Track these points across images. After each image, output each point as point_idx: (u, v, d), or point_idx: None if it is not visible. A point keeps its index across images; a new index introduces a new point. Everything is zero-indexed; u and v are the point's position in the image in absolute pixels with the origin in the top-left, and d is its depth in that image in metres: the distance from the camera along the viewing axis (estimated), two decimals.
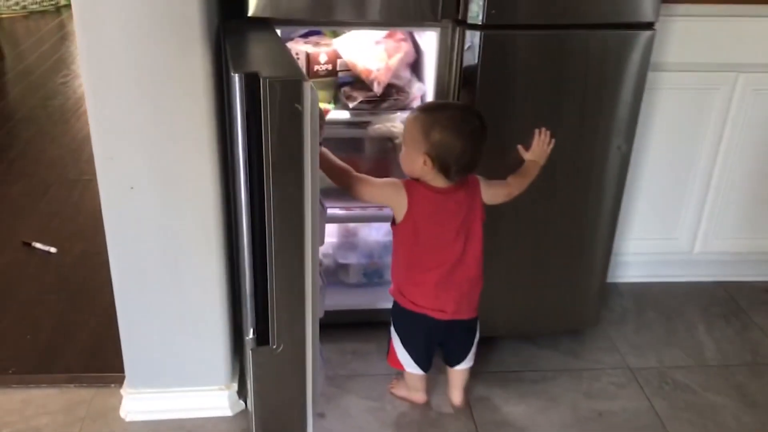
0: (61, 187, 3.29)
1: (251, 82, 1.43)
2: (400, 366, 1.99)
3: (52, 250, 2.77)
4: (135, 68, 1.60)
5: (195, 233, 1.80)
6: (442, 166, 1.74)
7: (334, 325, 2.33)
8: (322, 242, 1.80)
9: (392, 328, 1.99)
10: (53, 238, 2.84)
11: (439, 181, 1.78)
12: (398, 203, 1.81)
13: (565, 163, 2.06)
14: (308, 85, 1.44)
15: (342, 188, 1.85)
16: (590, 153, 2.08)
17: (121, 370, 1.99)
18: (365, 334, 2.35)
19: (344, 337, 2.33)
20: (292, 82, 1.43)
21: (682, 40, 2.21)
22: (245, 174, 1.53)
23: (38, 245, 2.79)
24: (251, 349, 1.69)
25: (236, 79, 1.44)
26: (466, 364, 2.00)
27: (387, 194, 1.83)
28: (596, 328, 2.42)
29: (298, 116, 1.46)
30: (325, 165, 1.80)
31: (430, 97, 2.07)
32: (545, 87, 1.97)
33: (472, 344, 1.98)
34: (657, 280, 2.71)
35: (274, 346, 1.68)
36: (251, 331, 1.70)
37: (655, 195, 2.50)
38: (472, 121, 1.73)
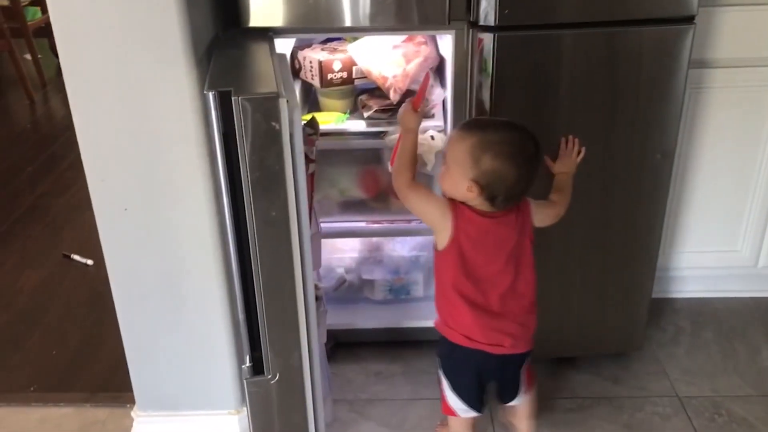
0: None
1: (225, 101, 1.34)
2: (453, 413, 1.74)
3: (89, 262, 2.79)
4: (118, 87, 1.54)
5: (194, 255, 1.73)
6: (490, 195, 1.53)
7: (359, 344, 2.24)
8: (318, 264, 1.70)
9: (441, 372, 1.73)
10: (92, 251, 2.86)
11: (485, 206, 1.57)
12: (442, 226, 1.58)
13: (598, 174, 1.88)
14: (284, 102, 1.33)
15: (395, 178, 1.67)
16: (624, 161, 1.88)
17: (131, 389, 1.96)
18: (391, 354, 2.24)
19: (368, 357, 2.22)
20: (265, 100, 1.33)
21: (730, 33, 1.97)
22: (228, 198, 1.45)
23: (76, 257, 2.81)
24: (245, 379, 1.61)
25: (210, 98, 1.35)
26: (520, 399, 1.76)
27: (431, 211, 1.61)
28: (644, 350, 2.21)
29: (275, 135, 1.36)
30: (405, 149, 1.67)
31: (449, 107, 1.93)
32: (568, 91, 1.79)
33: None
34: (717, 296, 2.47)
35: (269, 376, 1.60)
36: (247, 359, 1.62)
37: (712, 203, 2.26)
38: (527, 146, 1.53)
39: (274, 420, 1.68)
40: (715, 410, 2.01)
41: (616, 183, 1.91)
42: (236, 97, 1.31)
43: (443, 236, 1.59)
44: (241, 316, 1.58)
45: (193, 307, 1.80)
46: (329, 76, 2.05)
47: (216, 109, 1.36)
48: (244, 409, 1.97)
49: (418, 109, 1.68)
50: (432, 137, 2.00)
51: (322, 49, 2.10)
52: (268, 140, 1.36)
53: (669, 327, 2.35)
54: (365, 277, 2.29)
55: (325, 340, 1.79)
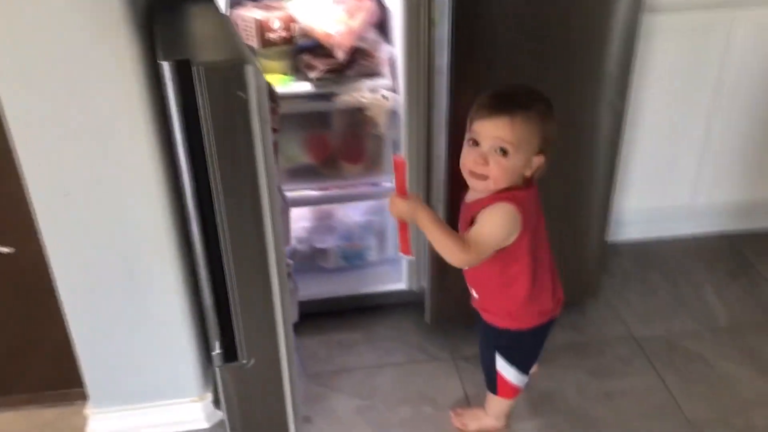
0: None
1: (183, 71, 1.21)
2: (516, 391, 1.73)
3: (5, 250, 2.56)
4: (50, 56, 1.37)
5: (146, 240, 1.60)
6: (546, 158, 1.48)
7: (315, 315, 2.17)
8: (288, 242, 1.61)
9: (504, 362, 1.68)
10: (8, 236, 2.62)
11: (526, 176, 1.49)
12: (517, 228, 1.48)
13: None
14: (251, 68, 1.22)
15: (452, 257, 1.49)
16: (579, 109, 1.87)
17: (82, 385, 1.82)
18: (351, 322, 2.18)
19: (328, 328, 2.16)
20: (230, 67, 1.21)
21: None
22: (189, 176, 1.33)
23: None
24: (217, 367, 1.51)
25: (165, 68, 1.22)
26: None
27: (509, 231, 1.47)
28: (598, 296, 2.25)
29: (242, 106, 1.25)
30: (433, 230, 1.48)
31: (401, 63, 1.84)
32: (525, 39, 1.75)
33: None
34: (659, 236, 2.54)
35: (244, 361, 1.51)
36: (217, 345, 1.52)
37: (654, 148, 2.30)
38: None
39: (251, 406, 1.60)
40: (672, 349, 2.08)
41: (571, 130, 1.89)
42: (197, 66, 1.18)
43: (515, 234, 1.48)
44: (209, 301, 1.47)
45: (148, 294, 1.67)
46: (268, 35, 1.92)
47: (173, 80, 1.23)
48: (208, 395, 1.87)
49: (406, 194, 1.49)
50: (384, 96, 1.92)
51: (256, 8, 1.97)
52: (235, 111, 1.24)
53: (617, 272, 2.40)
54: (317, 246, 2.21)
55: (296, 318, 1.71)
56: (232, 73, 1.20)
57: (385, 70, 1.96)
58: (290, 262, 1.86)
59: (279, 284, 1.47)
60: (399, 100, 1.91)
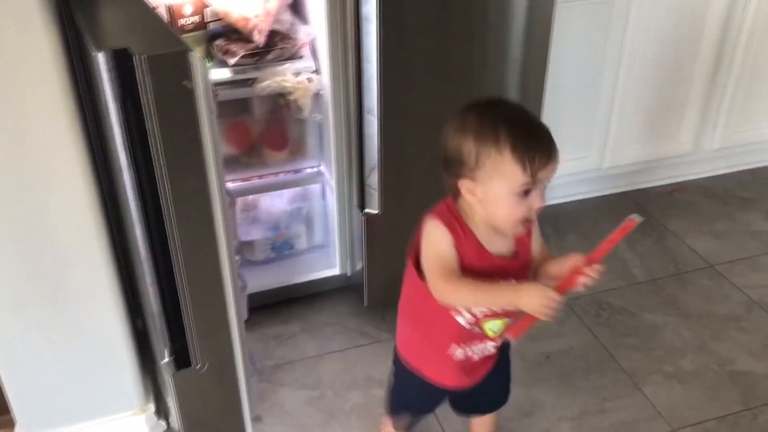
0: None
1: (122, 62, 1.12)
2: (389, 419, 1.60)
3: None
4: None
5: (74, 246, 1.48)
6: None
7: (250, 310, 2.09)
8: (235, 237, 1.54)
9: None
10: None
11: None
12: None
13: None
14: (196, 56, 1.14)
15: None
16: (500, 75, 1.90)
17: (8, 411, 1.67)
18: (285, 314, 2.13)
19: (263, 322, 2.09)
20: (174, 55, 1.13)
21: None
22: (132, 174, 1.24)
23: None
24: (170, 375, 1.43)
25: (100, 59, 1.13)
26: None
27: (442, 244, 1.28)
28: None
29: (188, 96, 1.17)
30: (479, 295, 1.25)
31: (323, 42, 1.79)
32: (449, 17, 1.75)
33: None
34: (570, 200, 2.64)
35: (198, 366, 1.43)
36: (166, 353, 1.44)
37: (567, 115, 2.38)
38: None
39: (206, 410, 1.53)
40: (599, 306, 2.17)
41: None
42: (139, 56, 1.10)
43: None
44: (156, 308, 1.39)
45: (78, 307, 1.55)
46: (180, 21, 1.81)
47: (111, 72, 1.14)
48: (150, 406, 1.77)
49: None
50: (309, 80, 1.86)
51: None
52: (181, 102, 1.17)
53: None
54: (243, 239, 2.13)
55: (246, 317, 1.64)
56: (176, 62, 1.13)
57: (306, 52, 1.90)
58: (238, 258, 1.78)
59: (231, 283, 1.40)
60: (323, 81, 1.86)
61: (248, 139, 1.98)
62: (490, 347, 1.39)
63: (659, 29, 2.34)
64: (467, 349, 1.36)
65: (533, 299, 1.18)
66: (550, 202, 2.58)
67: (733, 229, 2.55)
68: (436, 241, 1.25)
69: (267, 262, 2.16)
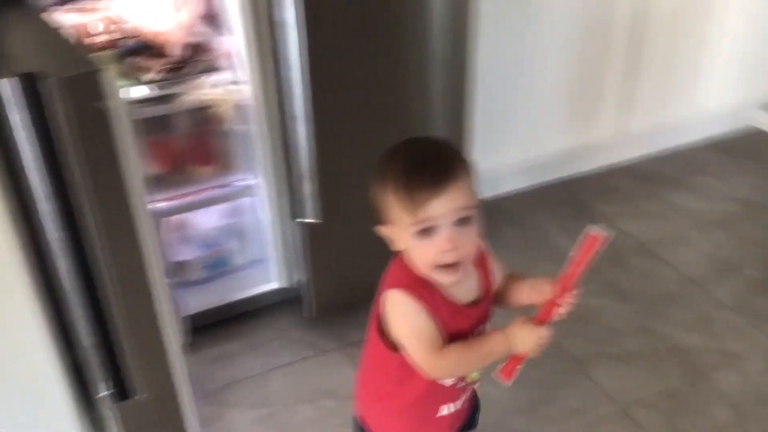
0: None
1: (28, 86, 1.06)
2: None
3: None
4: None
5: None
6: None
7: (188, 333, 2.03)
8: (166, 258, 1.48)
9: None
10: None
11: None
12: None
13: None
14: (109, 76, 1.09)
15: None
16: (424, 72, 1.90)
17: None
18: (227, 333, 2.07)
19: (204, 343, 2.02)
20: (86, 77, 1.08)
21: None
22: (51, 203, 1.17)
23: None
24: (110, 408, 1.36)
25: (6, 85, 1.06)
26: None
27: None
28: None
29: (103, 118, 1.11)
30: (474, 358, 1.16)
31: (243, 53, 1.75)
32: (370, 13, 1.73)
33: None
34: (503, 193, 2.66)
35: (139, 396, 1.37)
36: (103, 387, 1.37)
37: (492, 108, 2.39)
38: None
39: None
40: None
41: (424, 93, 1.92)
42: (51, 79, 1.04)
43: None
44: (89, 341, 1.32)
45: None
46: (90, 40, 1.74)
47: (18, 98, 1.07)
48: None
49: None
50: (230, 91, 1.81)
51: (72, 11, 1.77)
52: (96, 125, 1.11)
53: None
54: (175, 259, 2.06)
55: (186, 340, 1.58)
56: (90, 83, 1.07)
57: (226, 63, 1.85)
58: (171, 280, 1.72)
59: (165, 307, 1.35)
60: (245, 91, 1.82)
61: (173, 156, 1.92)
62: (472, 388, 1.31)
63: (575, 16, 2.38)
64: (456, 402, 1.27)
65: (527, 342, 1.10)
66: (483, 195, 2.62)
67: (661, 209, 2.62)
68: (408, 317, 1.12)
69: (203, 281, 2.09)
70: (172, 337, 1.38)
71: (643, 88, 2.65)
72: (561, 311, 1.13)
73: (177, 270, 2.07)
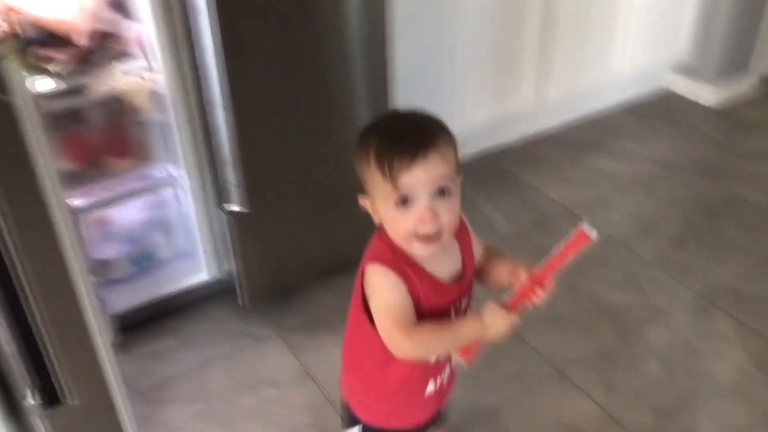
0: None
1: None
2: None
3: None
4: None
5: None
6: None
7: (119, 332, 1.96)
8: (88, 257, 1.42)
9: None
10: None
11: None
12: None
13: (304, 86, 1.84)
14: (12, 66, 1.03)
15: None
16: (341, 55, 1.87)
17: None
18: (158, 329, 2.01)
19: (135, 343, 1.96)
20: None
21: None
22: None
23: None
24: (40, 417, 1.30)
25: None
26: None
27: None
28: None
29: (8, 112, 1.05)
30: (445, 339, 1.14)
31: (154, 38, 1.68)
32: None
33: None
34: None
35: (69, 402, 1.32)
36: (31, 394, 1.31)
37: (413, 83, 2.39)
38: None
39: None
40: None
41: (339, 74, 1.89)
42: None
43: None
44: (12, 348, 1.26)
45: None
46: None
47: None
48: None
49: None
50: (143, 79, 1.74)
51: None
52: (4, 120, 1.05)
53: None
54: (98, 258, 1.98)
55: (115, 340, 1.52)
56: None
57: (137, 49, 1.78)
58: (95, 279, 1.65)
59: (90, 306, 1.29)
60: (160, 79, 1.75)
61: (88, 150, 1.84)
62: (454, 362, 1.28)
63: None
64: (440, 377, 1.26)
65: (499, 327, 1.09)
66: None
67: (581, 173, 2.68)
68: (385, 292, 1.11)
69: (130, 278, 2.02)
70: (101, 337, 1.32)
71: (559, 56, 2.69)
72: (534, 301, 1.11)
73: (101, 268, 1.99)
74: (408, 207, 1.06)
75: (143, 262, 2.03)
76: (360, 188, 1.12)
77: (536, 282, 1.11)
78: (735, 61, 3.07)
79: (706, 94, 3.10)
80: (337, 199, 2.03)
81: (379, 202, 1.08)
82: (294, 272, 2.07)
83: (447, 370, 1.28)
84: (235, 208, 1.83)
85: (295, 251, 2.02)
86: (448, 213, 1.07)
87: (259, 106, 1.76)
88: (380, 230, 1.13)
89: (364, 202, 1.12)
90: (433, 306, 1.13)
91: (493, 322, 1.09)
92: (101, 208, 1.92)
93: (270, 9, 1.68)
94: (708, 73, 3.07)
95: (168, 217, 2.04)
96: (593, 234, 1.08)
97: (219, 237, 1.95)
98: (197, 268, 2.04)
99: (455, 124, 2.62)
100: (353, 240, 2.13)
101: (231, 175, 1.79)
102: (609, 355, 1.91)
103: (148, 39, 1.73)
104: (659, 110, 3.07)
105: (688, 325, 2.00)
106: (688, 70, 3.12)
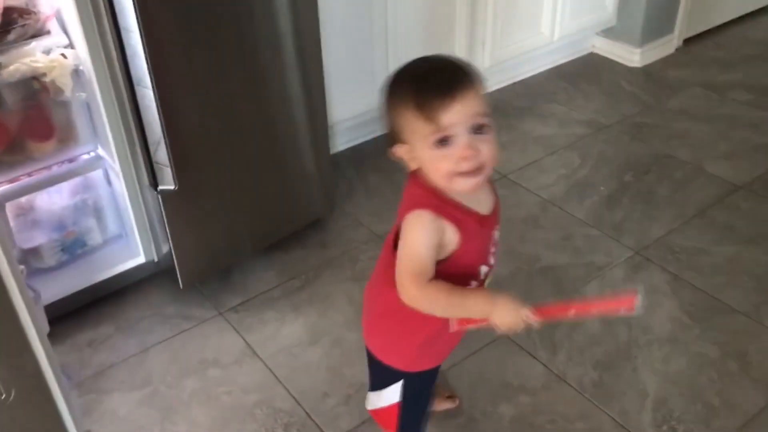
0: None
1: None
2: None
3: None
4: None
5: None
6: None
7: (51, 322, 1.88)
8: (13, 244, 1.35)
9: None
10: None
11: None
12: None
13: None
14: None
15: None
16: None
17: None
18: (94, 317, 1.95)
19: (70, 331, 1.90)
20: None
21: None
22: None
23: None
24: None
25: None
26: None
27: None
28: (334, 209, 2.29)
29: None
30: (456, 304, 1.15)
31: (72, 13, 1.60)
32: None
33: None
34: (365, 140, 2.65)
35: (3, 396, 1.26)
36: None
37: (346, 58, 2.36)
38: None
39: None
40: None
41: (271, 49, 1.85)
42: None
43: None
44: None
45: None
46: None
47: None
48: None
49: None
50: (63, 56, 1.66)
51: None
52: None
53: (342, 181, 2.46)
54: (26, 246, 1.90)
55: (47, 330, 1.46)
56: None
57: (54, 26, 1.70)
58: (22, 267, 1.58)
59: (21, 297, 1.23)
60: (81, 56, 1.68)
61: (6, 134, 1.74)
62: None
63: None
64: None
65: (507, 317, 1.11)
66: (346, 145, 2.61)
67: (515, 138, 2.71)
68: (416, 238, 1.12)
69: (61, 265, 1.94)
70: (34, 328, 1.27)
71: (489, 22, 2.70)
72: (562, 319, 1.17)
73: (30, 257, 1.92)
74: (448, 146, 1.07)
75: (75, 248, 1.96)
76: (392, 140, 1.13)
77: (572, 309, 1.17)
78: (659, 24, 3.14)
79: (632, 56, 3.16)
80: (270, 171, 2.01)
81: (417, 146, 1.09)
82: (232, 249, 2.03)
83: None
84: (167, 187, 1.78)
85: (231, 227, 1.98)
86: (488, 147, 1.10)
87: (188, 80, 1.71)
88: (414, 177, 1.15)
89: (399, 151, 1.13)
90: (478, 245, 1.18)
91: (503, 312, 1.11)
92: (26, 193, 1.83)
93: None
94: (633, 37, 3.13)
95: (99, 200, 1.96)
96: (638, 306, 1.08)
97: (153, 217, 1.90)
98: (132, 252, 1.98)
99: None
100: (289, 212, 2.13)
101: (160, 154, 1.74)
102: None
103: (67, 14, 1.65)
104: (588, 74, 3.12)
105: (626, 281, 2.05)
106: (614, 34, 3.18)
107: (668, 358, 1.81)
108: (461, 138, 1.07)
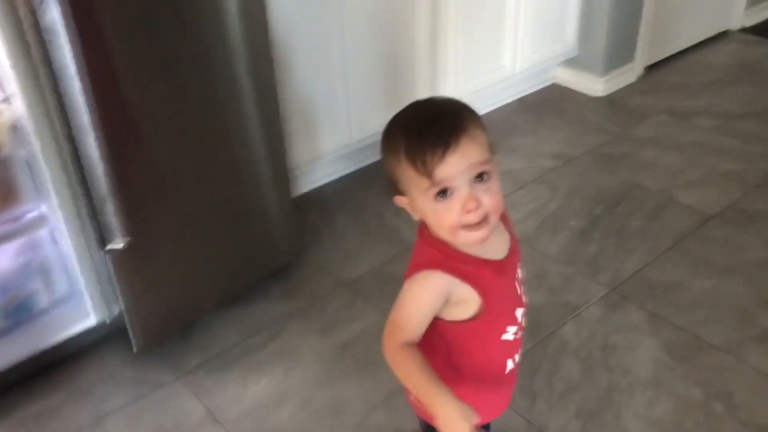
0: None
1: None
2: None
3: None
4: None
5: None
6: None
7: None
8: None
9: None
10: None
11: None
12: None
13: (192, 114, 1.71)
14: None
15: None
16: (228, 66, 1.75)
17: None
18: (44, 385, 1.83)
19: (18, 403, 1.77)
20: None
21: None
22: None
23: None
24: None
25: None
26: None
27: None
28: (297, 257, 2.20)
29: None
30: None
31: (6, 65, 1.51)
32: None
33: None
34: (329, 181, 2.58)
35: None
36: None
37: (308, 97, 2.29)
38: None
39: None
40: (381, 282, 2.12)
41: (228, 89, 1.77)
42: None
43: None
44: None
45: None
46: None
47: None
48: None
49: None
50: None
51: None
52: None
53: (306, 226, 2.36)
54: None
55: None
56: None
57: None
58: None
59: None
60: (18, 110, 1.57)
61: None
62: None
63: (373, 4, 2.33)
64: (516, 356, 1.23)
65: (450, 425, 0.99)
66: (308, 188, 2.53)
67: None
68: (415, 294, 1.06)
69: (6, 332, 1.81)
70: None
71: (451, 59, 2.65)
72: None
73: None
74: (448, 198, 1.02)
75: (20, 312, 1.83)
76: (393, 189, 1.08)
77: None
78: (620, 52, 3.13)
79: (595, 85, 3.14)
80: (229, 219, 1.91)
81: (417, 198, 1.04)
82: (191, 306, 1.92)
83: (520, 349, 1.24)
84: (117, 244, 1.67)
85: (189, 283, 1.87)
86: (490, 197, 1.03)
87: (136, 130, 1.62)
88: (422, 229, 1.11)
89: (401, 201, 1.08)
90: (504, 292, 1.13)
91: (450, 416, 0.99)
92: None
93: (138, 24, 1.54)
94: (595, 66, 3.11)
95: (45, 260, 1.84)
96: None
97: (104, 276, 1.78)
98: (83, 313, 1.86)
99: (354, 134, 2.58)
100: (251, 261, 2.02)
101: (109, 209, 1.63)
102: (530, 358, 1.86)
103: (2, 67, 1.55)
104: (552, 105, 3.09)
105: (603, 320, 1.98)
106: (576, 63, 3.15)
107: (651, 402, 1.74)
108: (461, 190, 1.01)
